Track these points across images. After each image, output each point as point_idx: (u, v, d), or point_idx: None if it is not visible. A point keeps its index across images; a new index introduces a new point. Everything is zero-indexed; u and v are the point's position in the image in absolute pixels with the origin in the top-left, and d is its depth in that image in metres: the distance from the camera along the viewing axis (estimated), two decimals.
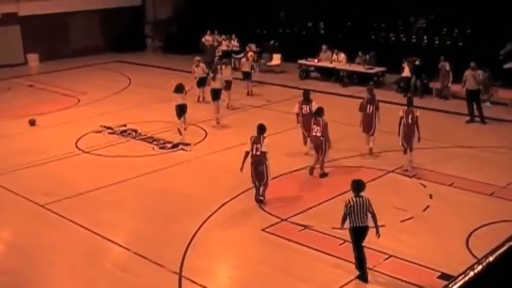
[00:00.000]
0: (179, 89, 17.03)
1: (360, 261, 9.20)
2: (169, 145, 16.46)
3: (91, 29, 31.62)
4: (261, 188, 12.18)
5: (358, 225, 8.97)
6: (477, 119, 17.66)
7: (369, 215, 9.06)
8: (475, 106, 17.70)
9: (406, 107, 13.89)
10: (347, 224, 9.14)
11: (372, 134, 14.83)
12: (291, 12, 28.85)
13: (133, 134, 17.67)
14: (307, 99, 15.19)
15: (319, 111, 13.81)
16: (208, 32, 27.38)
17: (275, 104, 20.58)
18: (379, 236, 9.16)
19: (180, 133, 16.87)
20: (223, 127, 18.22)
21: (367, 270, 9.28)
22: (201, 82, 20.73)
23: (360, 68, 23.02)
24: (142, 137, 17.29)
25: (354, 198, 9.01)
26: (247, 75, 22.37)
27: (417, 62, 21.13)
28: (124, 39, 31.75)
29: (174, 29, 32.60)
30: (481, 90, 18.02)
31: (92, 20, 31.44)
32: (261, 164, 11.93)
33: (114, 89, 23.85)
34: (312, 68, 24.52)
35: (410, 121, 13.58)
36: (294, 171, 14.06)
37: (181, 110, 16.92)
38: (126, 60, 29.85)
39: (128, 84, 24.79)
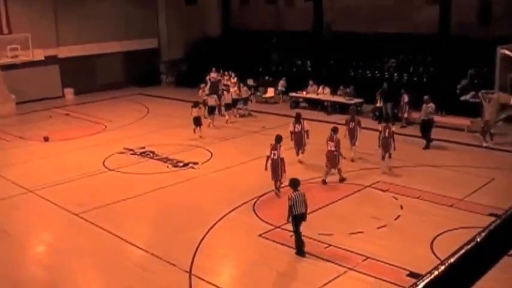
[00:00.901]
0: (196, 104, 19.62)
1: (300, 244, 9.84)
2: (181, 164, 16.39)
3: (116, 67, 31.52)
4: (278, 184, 12.93)
5: (298, 212, 9.76)
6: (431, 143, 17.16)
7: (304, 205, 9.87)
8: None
9: (384, 124, 14.83)
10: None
11: (354, 144, 15.34)
12: (282, 52, 28.94)
13: (151, 154, 17.60)
14: (298, 120, 15.52)
15: (336, 130, 14.15)
16: (213, 69, 27.31)
17: (270, 130, 20.11)
18: (305, 220, 9.94)
19: (195, 131, 19.02)
20: (225, 148, 18.03)
21: (305, 250, 9.89)
22: (211, 111, 21.42)
23: (342, 99, 22.99)
24: (159, 157, 17.21)
25: (294, 193, 9.80)
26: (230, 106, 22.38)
27: (384, 86, 20.98)
28: (143, 76, 31.80)
29: (185, 66, 32.71)
30: (431, 121, 17.35)
31: (116, 60, 31.35)
32: (277, 166, 12.71)
33: (135, 117, 23.85)
34: (301, 99, 24.36)
35: (387, 135, 14.40)
36: (285, 186, 13.91)
37: (197, 120, 19.06)
38: (145, 93, 29.76)
39: (146, 113, 24.80)
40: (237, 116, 22.52)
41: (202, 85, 23.01)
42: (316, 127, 17.56)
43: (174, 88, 31.62)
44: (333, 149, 13.85)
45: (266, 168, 12.91)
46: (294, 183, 9.95)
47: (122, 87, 30.77)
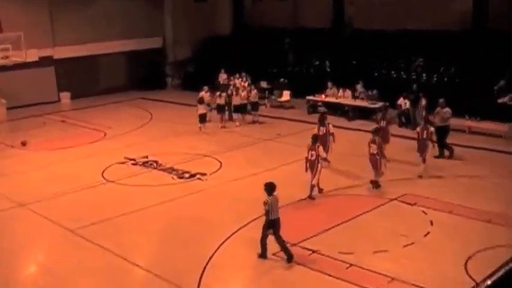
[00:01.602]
0: (201, 100, 21.25)
1: (285, 249, 10.49)
2: (187, 175, 16.38)
3: (117, 69, 31.65)
4: (313, 180, 13.61)
5: (274, 217, 10.31)
6: (446, 152, 16.99)
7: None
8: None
9: (422, 124, 15.40)
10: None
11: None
12: (299, 52, 28.92)
13: (154, 165, 17.59)
14: (323, 122, 15.85)
15: (377, 131, 14.51)
16: (223, 71, 27.29)
17: (285, 137, 20.49)
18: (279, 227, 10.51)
19: (200, 129, 20.80)
20: (236, 158, 18.05)
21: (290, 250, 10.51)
22: (221, 109, 22.40)
23: (364, 103, 22.92)
24: (163, 168, 17.21)
25: (270, 198, 10.26)
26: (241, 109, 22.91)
27: (414, 87, 20.94)
28: (147, 78, 31.86)
29: (192, 68, 32.75)
30: (448, 127, 17.13)
31: (118, 61, 31.44)
32: (313, 166, 13.47)
33: (138, 123, 23.86)
34: (319, 103, 24.19)
35: (425, 136, 14.97)
36: (301, 200, 13.86)
37: (202, 117, 20.85)
38: (149, 97, 29.85)
39: (149, 119, 24.80)
40: (239, 124, 22.60)
41: (205, 88, 23.14)
42: (336, 134, 17.30)
43: (180, 91, 31.68)
44: (374, 152, 14.09)
45: (306, 170, 13.61)
46: (270, 188, 10.34)
47: (123, 91, 30.89)
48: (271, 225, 10.44)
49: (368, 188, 14.49)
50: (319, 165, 13.71)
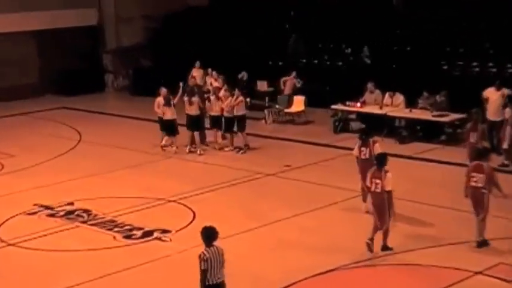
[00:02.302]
0: (168, 100, 22.56)
1: None
2: (139, 233, 16.38)
3: (24, 60, 31.67)
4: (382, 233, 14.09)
5: (215, 281, 10.67)
6: None
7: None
8: None
9: None
10: None
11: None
12: (313, 33, 29.38)
13: (85, 216, 17.69)
14: (366, 140, 16.59)
15: (485, 153, 14.98)
16: (197, 64, 27.74)
17: (297, 171, 20.61)
18: None
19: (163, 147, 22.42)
20: (218, 204, 18.17)
21: None
22: (194, 123, 23.10)
23: (426, 115, 22.93)
24: (99, 221, 17.29)
25: (208, 250, 10.67)
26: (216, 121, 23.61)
27: (505, 92, 21.06)
28: (72, 76, 31.98)
29: (147, 60, 33.12)
30: None
31: (25, 46, 31.53)
32: (382, 205, 13.98)
33: (57, 149, 23.92)
34: (353, 116, 24.52)
35: None
36: (332, 270, 13.89)
37: (170, 127, 22.48)
38: (76, 106, 29.99)
39: (77, 142, 24.94)
40: (228, 147, 23.34)
41: (163, 90, 23.44)
42: None
43: (127, 97, 31.93)
44: (479, 185, 14.32)
45: (368, 212, 14.51)
46: (208, 235, 10.77)
47: (34, 96, 31.16)
48: None
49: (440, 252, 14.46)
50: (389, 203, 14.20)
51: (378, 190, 14.12)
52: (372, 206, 14.61)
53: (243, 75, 28.15)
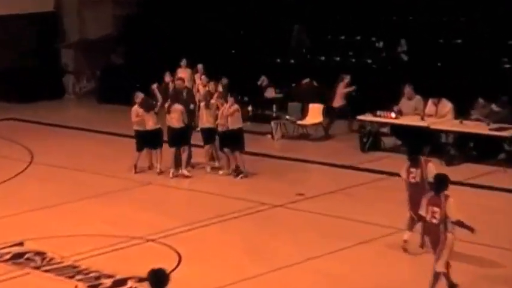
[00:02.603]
0: (149, 105, 22.90)
1: None
2: (108, 281, 16.15)
3: None
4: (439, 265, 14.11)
5: None
6: None
7: None
8: None
9: None
10: None
11: None
12: (330, 22, 30.01)
13: (38, 260, 17.37)
14: (417, 160, 16.68)
15: None
16: (183, 63, 28.20)
17: (313, 201, 20.33)
18: None
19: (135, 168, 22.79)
20: (211, 244, 18.10)
21: None
22: (178, 138, 23.08)
23: (481, 129, 22.84)
24: (56, 266, 16.94)
25: None
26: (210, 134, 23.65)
27: None
28: (21, 78, 32.48)
29: (118, 57, 33.65)
30: None
31: None
32: (440, 240, 14.01)
33: (1, 173, 23.83)
34: (386, 130, 24.43)
35: None
36: None
37: (155, 137, 22.87)
38: (25, 117, 30.41)
39: (28, 164, 24.89)
40: (221, 170, 23.44)
41: (139, 95, 23.87)
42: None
43: (93, 105, 32.27)
44: None
45: (423, 243, 15.21)
46: (158, 280, 10.56)
47: None
48: None
49: None
50: (449, 235, 14.16)
51: (435, 221, 14.05)
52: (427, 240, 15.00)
53: (263, 80, 28.48)
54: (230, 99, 22.85)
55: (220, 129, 22.79)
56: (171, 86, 25.99)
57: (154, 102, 23.30)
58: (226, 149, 22.97)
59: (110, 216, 19.74)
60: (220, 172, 22.88)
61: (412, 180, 16.35)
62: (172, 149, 23.02)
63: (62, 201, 20.95)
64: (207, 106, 23.16)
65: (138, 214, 19.80)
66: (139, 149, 23.43)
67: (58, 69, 33.28)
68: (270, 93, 28.06)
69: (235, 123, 22.62)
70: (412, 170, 16.41)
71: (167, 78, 27.33)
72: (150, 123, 22.98)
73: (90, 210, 20.27)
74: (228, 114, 22.55)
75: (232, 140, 22.62)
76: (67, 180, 22.94)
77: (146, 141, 23.33)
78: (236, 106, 22.79)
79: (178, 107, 23.08)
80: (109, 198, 21.17)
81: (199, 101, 24.29)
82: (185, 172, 22.80)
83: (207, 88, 25.73)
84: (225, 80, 27.12)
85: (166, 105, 23.41)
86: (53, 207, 20.61)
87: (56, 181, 22.89)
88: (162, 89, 26.00)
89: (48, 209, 20.45)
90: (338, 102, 27.03)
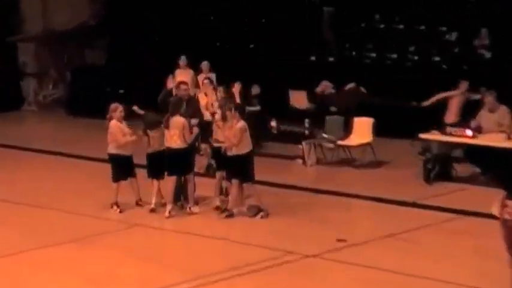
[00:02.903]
0: (152, 122, 22.96)
1: None
2: None
3: None
4: None
5: None
6: None
7: None
8: None
9: None
10: None
11: None
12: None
13: None
14: None
15: None
16: (182, 60, 27.39)
17: (359, 249, 19.77)
18: None
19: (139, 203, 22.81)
20: None
21: None
22: (177, 162, 22.86)
23: None
24: None
25: None
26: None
27: None
28: None
29: (95, 54, 34.33)
30: None
31: None
32: None
33: None
34: (459, 153, 24.20)
35: None
36: None
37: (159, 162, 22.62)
38: None
39: None
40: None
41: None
42: None
43: (61, 118, 33.04)
44: None
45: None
46: None
47: None
48: None
49: None
50: None
51: None
52: None
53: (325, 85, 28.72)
54: (236, 115, 22.05)
55: (230, 153, 22.09)
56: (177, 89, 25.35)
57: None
58: (234, 180, 22.11)
59: (86, 268, 18.94)
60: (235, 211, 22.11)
61: (508, 217, 15.57)
62: (172, 178, 22.43)
63: (23, 248, 20.37)
64: (224, 118, 22.11)
65: (123, 266, 19.07)
66: (118, 179, 23.10)
67: (14, 70, 33.31)
68: (301, 102, 27.76)
69: (242, 146, 21.98)
70: (509, 203, 15.65)
71: (170, 83, 26.54)
72: (156, 145, 22.66)
73: (60, 261, 19.51)
74: (230, 136, 22.00)
75: (239, 168, 22.18)
76: (29, 222, 22.49)
77: (129, 169, 23.19)
78: (242, 123, 21.96)
79: (179, 119, 22.25)
80: (84, 244, 20.54)
81: (212, 114, 23.47)
82: (194, 209, 22.14)
83: (219, 93, 25.26)
84: (256, 88, 26.97)
85: (164, 118, 22.73)
86: (11, 256, 19.92)
87: (14, 223, 22.34)
88: (162, 98, 25.50)
89: (3, 258, 19.79)
90: (451, 118, 26.20)
